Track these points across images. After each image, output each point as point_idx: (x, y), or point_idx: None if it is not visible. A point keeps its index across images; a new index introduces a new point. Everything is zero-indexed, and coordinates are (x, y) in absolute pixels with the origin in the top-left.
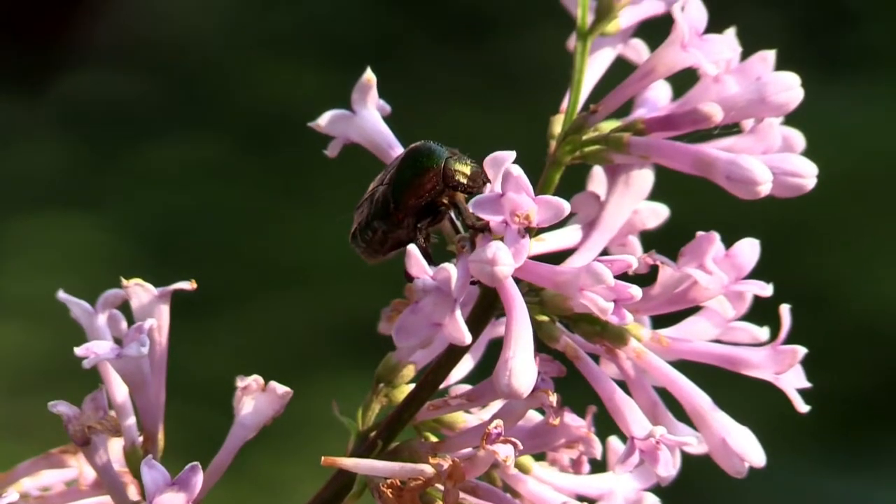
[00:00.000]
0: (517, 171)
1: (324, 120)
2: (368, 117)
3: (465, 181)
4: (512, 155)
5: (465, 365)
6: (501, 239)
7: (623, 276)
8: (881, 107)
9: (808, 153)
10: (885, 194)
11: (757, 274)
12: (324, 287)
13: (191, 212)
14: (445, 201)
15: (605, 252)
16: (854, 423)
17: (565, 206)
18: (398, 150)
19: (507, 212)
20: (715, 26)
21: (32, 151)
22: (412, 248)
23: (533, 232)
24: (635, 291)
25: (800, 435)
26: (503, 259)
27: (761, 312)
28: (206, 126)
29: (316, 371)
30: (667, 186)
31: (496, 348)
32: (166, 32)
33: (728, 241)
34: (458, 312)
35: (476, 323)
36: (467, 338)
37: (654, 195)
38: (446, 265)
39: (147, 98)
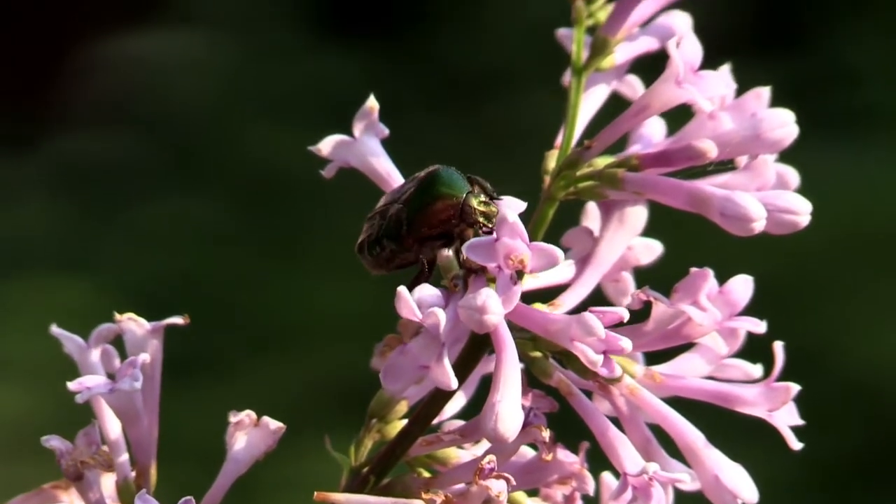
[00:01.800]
0: (513, 217)
1: (325, 145)
2: (369, 144)
3: (480, 220)
4: (523, 206)
5: (458, 400)
6: (494, 280)
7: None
8: (878, 165)
9: None
10: (880, 253)
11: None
12: (316, 347)
13: (183, 272)
14: (456, 233)
15: (598, 288)
16: (845, 481)
17: (560, 256)
18: (397, 177)
19: (500, 257)
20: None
21: (24, 213)
22: (402, 291)
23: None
24: (625, 344)
25: (791, 493)
26: (493, 308)
27: (754, 350)
28: (199, 187)
29: (306, 430)
30: (660, 223)
31: (490, 382)
32: (159, 92)
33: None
34: (445, 357)
35: (467, 360)
36: (453, 383)
37: (648, 231)
38: (435, 309)
39: (139, 159)
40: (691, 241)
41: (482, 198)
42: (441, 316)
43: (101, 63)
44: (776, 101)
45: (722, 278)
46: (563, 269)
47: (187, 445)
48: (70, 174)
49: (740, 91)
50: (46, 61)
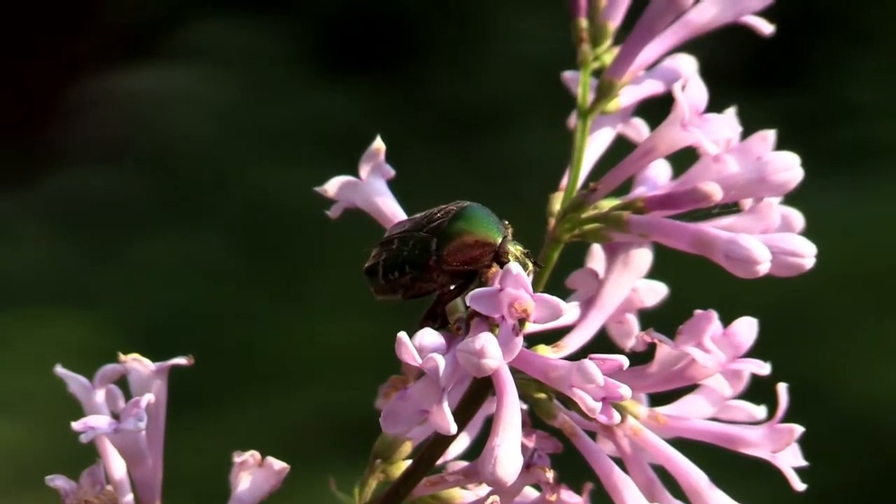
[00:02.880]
0: (517, 269)
1: (331, 186)
2: (375, 185)
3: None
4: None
5: (462, 441)
6: (497, 326)
7: (621, 351)
8: (879, 201)
9: None
10: (880, 289)
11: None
12: (315, 385)
13: (181, 308)
14: (482, 273)
15: (602, 329)
16: None
17: (563, 308)
18: (402, 218)
19: (504, 307)
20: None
21: (22, 247)
22: (402, 336)
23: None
24: (625, 391)
25: None
26: (491, 353)
27: (758, 391)
28: (197, 222)
29: (306, 469)
30: (665, 265)
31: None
32: (157, 128)
33: (725, 321)
34: (445, 402)
35: (471, 401)
36: (452, 428)
37: (653, 274)
38: (435, 355)
39: (138, 194)
40: (693, 278)
41: (519, 246)
42: (440, 362)
43: (100, 99)
44: (777, 137)
45: (722, 313)
46: (568, 311)
47: (187, 482)
48: (68, 209)
49: (743, 126)
50: (46, 97)
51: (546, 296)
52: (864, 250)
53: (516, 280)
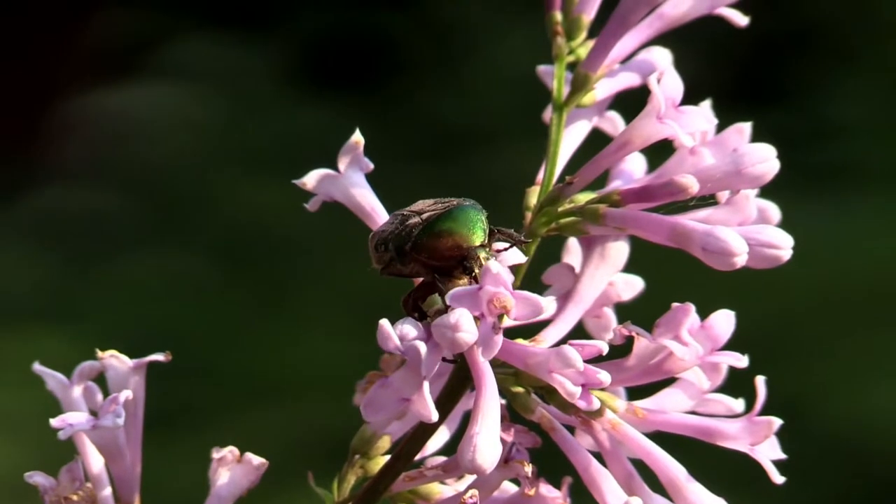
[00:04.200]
0: (496, 267)
1: (310, 179)
2: (354, 178)
3: (476, 272)
4: (520, 258)
5: (441, 436)
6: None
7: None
8: (861, 220)
9: (787, 264)
10: (861, 308)
11: (734, 384)
12: (298, 401)
13: (166, 325)
14: (454, 273)
15: (579, 323)
16: None
17: (543, 305)
18: (381, 211)
19: (484, 304)
20: None
21: (6, 265)
22: (384, 323)
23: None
24: (604, 377)
25: None
26: (465, 326)
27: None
28: (181, 240)
29: (290, 483)
30: (641, 262)
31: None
32: (141, 145)
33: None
34: (426, 389)
35: (450, 395)
36: (434, 415)
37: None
38: (416, 342)
39: (122, 212)
40: (671, 285)
41: (491, 253)
42: (422, 348)
43: (85, 117)
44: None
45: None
46: (548, 307)
47: (169, 498)
48: (54, 227)
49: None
50: (30, 115)
51: (526, 293)
52: (845, 270)
53: (496, 278)
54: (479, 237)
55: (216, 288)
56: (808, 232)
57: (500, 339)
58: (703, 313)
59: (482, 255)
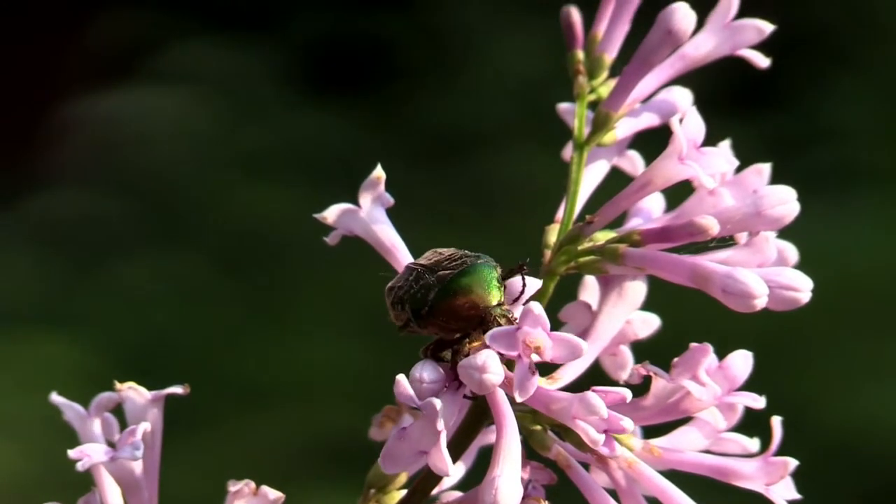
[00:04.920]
0: (538, 309)
1: (331, 214)
2: (374, 214)
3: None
4: (537, 284)
5: (457, 471)
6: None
7: (615, 383)
8: (861, 223)
9: None
10: (862, 312)
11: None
12: (297, 407)
13: (164, 329)
14: (472, 334)
15: (596, 362)
16: None
17: (584, 347)
18: (402, 248)
19: (520, 345)
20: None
21: (4, 268)
22: (400, 379)
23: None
24: (627, 424)
25: None
26: (492, 368)
27: (750, 424)
28: (178, 244)
29: (290, 490)
30: (655, 296)
31: (490, 453)
32: (139, 149)
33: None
34: (443, 443)
35: (467, 431)
36: (450, 471)
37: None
38: (433, 399)
39: (119, 216)
40: (677, 303)
41: (506, 310)
42: (437, 404)
43: (81, 121)
44: (760, 160)
45: (704, 339)
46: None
47: (167, 501)
48: (52, 230)
49: (732, 149)
50: (29, 118)
51: (565, 335)
52: (845, 272)
53: (536, 319)
54: (494, 297)
55: (215, 292)
56: (808, 235)
57: (536, 380)
58: (709, 324)
59: (499, 313)
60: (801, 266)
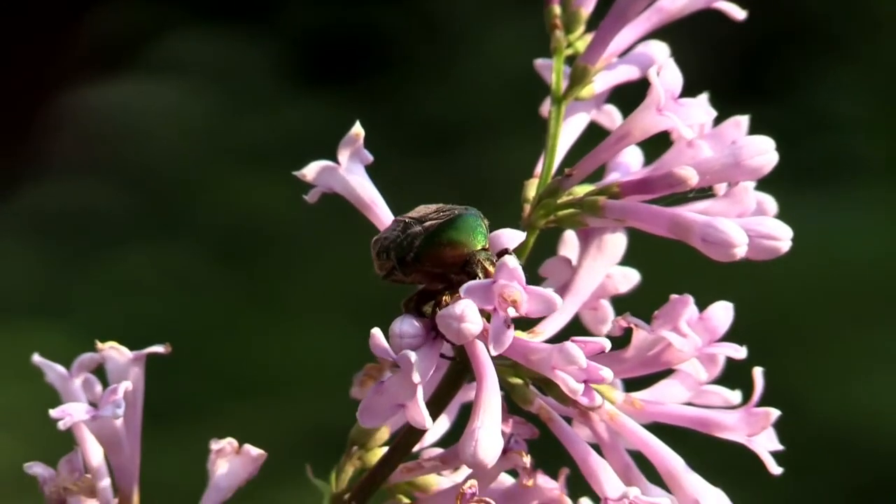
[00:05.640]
0: (513, 262)
1: (309, 170)
2: (354, 171)
3: (479, 275)
4: (520, 237)
5: (439, 427)
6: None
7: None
8: (855, 214)
9: (781, 258)
10: (853, 302)
11: (731, 376)
12: (292, 395)
13: (159, 319)
14: (455, 280)
15: (576, 316)
16: None
17: (557, 301)
18: (381, 204)
19: (496, 298)
20: None
21: (0, 259)
22: (375, 332)
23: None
24: (606, 374)
25: None
26: (470, 317)
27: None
28: (174, 235)
29: (284, 480)
30: (636, 254)
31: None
32: (133, 141)
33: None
34: (419, 396)
35: (448, 387)
36: (428, 423)
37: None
38: (407, 352)
39: (117, 206)
40: (666, 278)
41: (490, 255)
42: (412, 357)
43: (76, 112)
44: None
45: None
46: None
47: (162, 489)
48: (47, 221)
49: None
50: (24, 110)
51: (540, 289)
52: (837, 263)
53: (511, 272)
54: (479, 242)
55: (210, 282)
56: (801, 225)
57: (511, 333)
58: (699, 305)
59: (483, 257)
60: (795, 256)
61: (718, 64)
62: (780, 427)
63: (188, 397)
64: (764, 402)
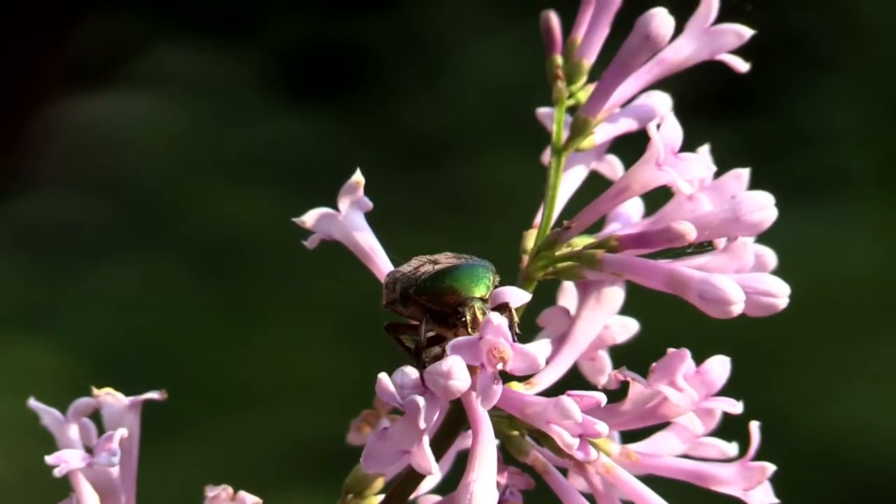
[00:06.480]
0: (497, 319)
1: (309, 218)
2: (353, 218)
3: (468, 322)
4: (525, 297)
5: (434, 476)
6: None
7: (593, 388)
8: (841, 227)
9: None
10: (840, 316)
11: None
12: (277, 410)
13: (144, 333)
14: (450, 321)
15: (574, 366)
16: None
17: (541, 361)
18: (380, 252)
19: (483, 355)
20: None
21: None
22: (382, 377)
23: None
24: (602, 428)
25: None
26: (457, 374)
27: (728, 428)
28: (158, 248)
29: (270, 494)
30: (634, 301)
31: (466, 459)
32: (119, 153)
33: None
34: (426, 442)
35: (444, 436)
36: (434, 469)
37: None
38: (416, 397)
39: (101, 219)
40: (654, 306)
41: (485, 306)
42: (420, 402)
43: (62, 125)
44: (740, 164)
45: (682, 342)
46: (544, 363)
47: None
48: (31, 234)
49: (713, 154)
50: (9, 123)
51: (524, 348)
52: (827, 277)
53: (496, 329)
54: (479, 292)
55: (194, 295)
56: (789, 239)
57: (499, 389)
58: (688, 329)
59: (477, 305)
60: (781, 271)
61: (706, 78)
62: (767, 441)
63: (170, 411)
64: (751, 416)
